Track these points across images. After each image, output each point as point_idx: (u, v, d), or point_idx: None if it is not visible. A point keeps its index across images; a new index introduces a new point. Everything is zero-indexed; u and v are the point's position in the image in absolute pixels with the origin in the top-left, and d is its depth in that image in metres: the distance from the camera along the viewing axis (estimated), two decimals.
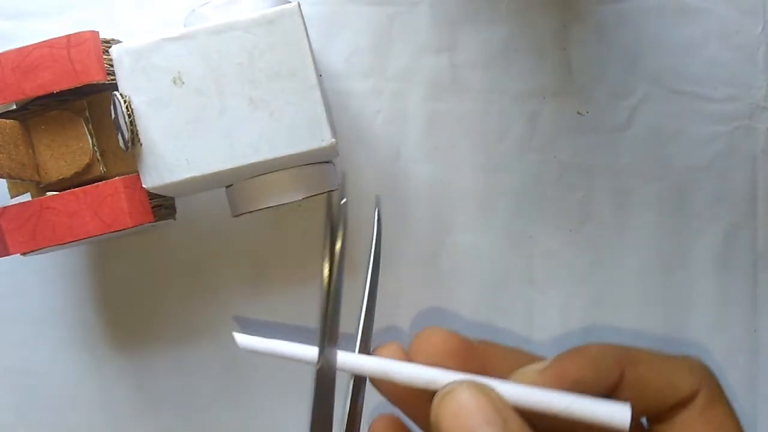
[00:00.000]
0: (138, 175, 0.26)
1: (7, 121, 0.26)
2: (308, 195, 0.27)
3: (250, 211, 0.27)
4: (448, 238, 0.33)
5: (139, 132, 0.25)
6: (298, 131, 0.25)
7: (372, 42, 0.33)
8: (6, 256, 0.26)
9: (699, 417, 0.22)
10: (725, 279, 0.33)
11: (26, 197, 0.28)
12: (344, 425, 0.22)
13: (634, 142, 0.33)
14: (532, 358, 0.24)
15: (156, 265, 0.33)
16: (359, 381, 0.23)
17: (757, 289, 0.34)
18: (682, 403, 0.22)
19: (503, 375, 0.22)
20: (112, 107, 0.25)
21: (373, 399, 0.23)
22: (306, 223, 0.33)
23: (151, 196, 0.27)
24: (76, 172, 0.27)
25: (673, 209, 0.33)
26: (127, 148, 0.25)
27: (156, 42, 0.25)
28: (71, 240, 0.26)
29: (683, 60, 0.33)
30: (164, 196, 0.28)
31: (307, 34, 0.25)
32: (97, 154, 0.27)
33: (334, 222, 0.23)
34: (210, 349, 0.33)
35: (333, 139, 0.25)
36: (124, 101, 0.25)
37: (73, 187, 0.26)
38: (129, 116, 0.25)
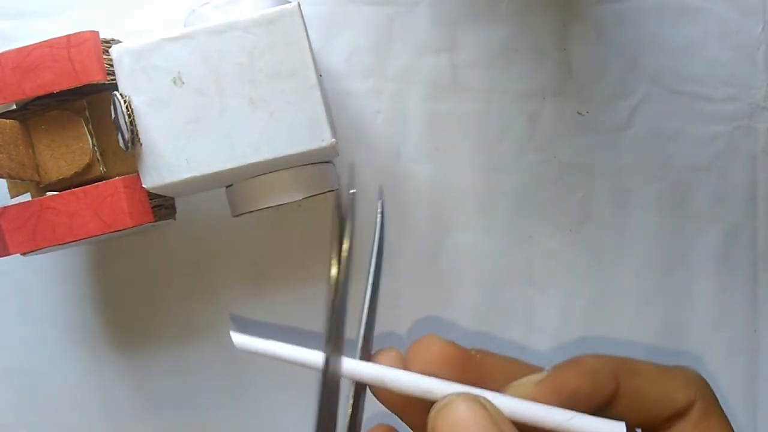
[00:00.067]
0: (138, 175, 0.26)
1: (7, 121, 0.26)
2: (308, 195, 0.27)
3: (250, 211, 0.28)
4: (448, 238, 0.33)
5: (139, 132, 0.25)
6: (298, 131, 0.25)
7: (372, 42, 0.33)
8: (6, 256, 0.26)
9: (694, 429, 0.22)
10: (725, 279, 0.33)
11: (26, 197, 0.28)
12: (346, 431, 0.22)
13: (634, 142, 0.33)
14: (529, 368, 0.24)
15: (156, 265, 0.33)
16: (360, 387, 0.23)
17: (757, 289, 0.34)
18: (678, 415, 0.22)
19: (500, 385, 0.22)
20: (112, 107, 0.25)
21: (373, 406, 0.23)
22: (306, 223, 0.33)
23: (151, 196, 0.27)
24: (76, 172, 0.27)
25: (673, 209, 0.33)
26: (127, 148, 0.25)
27: (156, 42, 0.25)
28: (71, 240, 0.26)
29: (683, 60, 0.33)
30: (164, 196, 0.28)
31: (307, 34, 0.25)
32: (97, 154, 0.27)
33: (342, 219, 0.23)
34: (210, 349, 0.33)
35: (333, 139, 0.25)
36: (124, 101, 0.25)
37: (73, 187, 0.26)
38: (129, 116, 0.25)
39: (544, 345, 0.33)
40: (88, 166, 0.27)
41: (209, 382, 0.33)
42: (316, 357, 0.22)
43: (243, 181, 0.27)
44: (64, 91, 0.26)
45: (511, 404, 0.21)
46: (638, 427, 0.23)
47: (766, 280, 0.33)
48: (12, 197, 0.28)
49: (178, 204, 0.30)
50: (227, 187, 0.28)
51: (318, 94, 0.25)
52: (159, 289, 0.33)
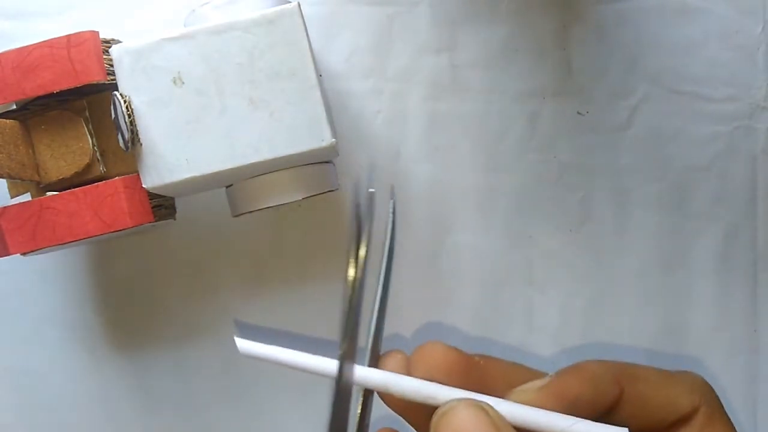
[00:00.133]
0: (138, 175, 0.26)
1: (7, 121, 0.26)
2: (308, 195, 0.27)
3: (250, 211, 0.28)
4: (448, 238, 0.33)
5: (139, 132, 0.25)
6: (298, 131, 0.25)
7: (372, 42, 0.33)
8: (6, 256, 0.26)
9: None
10: (725, 279, 0.33)
11: (26, 197, 0.28)
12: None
13: (634, 142, 0.33)
14: (532, 373, 0.24)
15: (156, 265, 0.33)
16: (368, 390, 0.23)
17: (757, 289, 0.34)
18: (682, 420, 0.22)
19: (503, 390, 0.22)
20: (112, 107, 0.25)
21: (382, 408, 0.23)
22: (306, 223, 0.33)
23: (151, 196, 0.27)
24: (76, 172, 0.27)
25: (673, 209, 0.33)
26: (127, 148, 0.25)
27: (156, 42, 0.25)
28: (71, 240, 0.26)
29: (683, 60, 0.33)
30: (164, 196, 0.28)
31: (307, 34, 0.25)
32: (97, 154, 0.27)
33: (360, 219, 0.23)
34: (210, 349, 0.33)
35: (333, 139, 0.25)
36: (124, 101, 0.25)
37: (73, 187, 0.26)
38: (129, 116, 0.25)
39: (544, 345, 0.33)
40: (88, 166, 0.27)
41: (209, 382, 0.33)
42: (325, 364, 0.22)
43: (243, 181, 0.27)
44: (64, 91, 0.26)
45: (513, 410, 0.21)
46: None
47: (766, 280, 0.33)
48: (12, 197, 0.28)
49: (178, 204, 0.30)
50: (227, 187, 0.28)
51: (318, 94, 0.25)
52: (159, 289, 0.33)
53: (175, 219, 0.30)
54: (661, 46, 0.33)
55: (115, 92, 0.25)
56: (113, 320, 0.33)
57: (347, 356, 0.22)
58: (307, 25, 0.25)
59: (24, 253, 0.26)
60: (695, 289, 0.33)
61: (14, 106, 0.27)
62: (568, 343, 0.33)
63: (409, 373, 0.22)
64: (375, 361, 0.23)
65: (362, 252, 0.23)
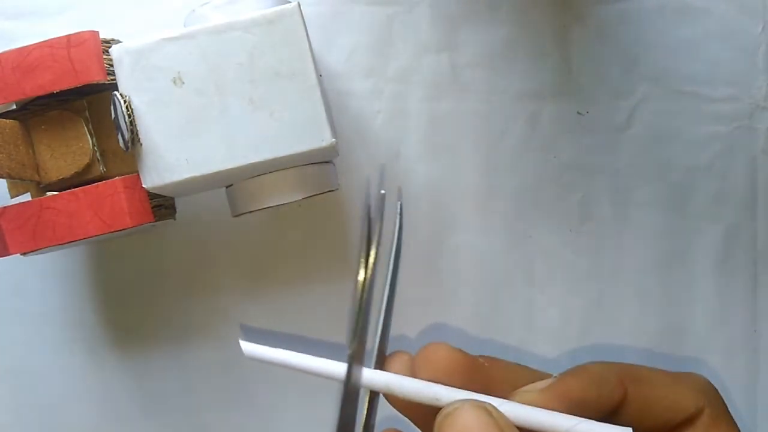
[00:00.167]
0: (138, 175, 0.26)
1: (7, 121, 0.26)
2: (308, 195, 0.27)
3: (250, 211, 0.27)
4: (448, 238, 0.33)
5: (139, 132, 0.25)
6: (298, 131, 0.25)
7: (372, 42, 0.33)
8: (6, 256, 0.26)
9: None
10: (725, 279, 0.33)
11: (26, 197, 0.28)
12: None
13: (634, 142, 0.33)
14: (536, 375, 0.24)
15: (156, 265, 0.33)
16: (373, 392, 0.23)
17: (757, 289, 0.34)
18: (687, 422, 0.22)
19: (506, 391, 0.22)
20: (112, 107, 0.25)
21: (385, 409, 0.23)
22: (306, 223, 0.33)
23: (151, 196, 0.27)
24: (76, 172, 0.27)
25: (673, 209, 0.33)
26: (127, 148, 0.25)
27: (156, 42, 0.25)
28: (71, 240, 0.26)
29: (683, 60, 0.33)
30: (164, 196, 0.28)
31: (307, 34, 0.25)
32: (97, 154, 0.27)
33: (371, 220, 0.23)
34: (210, 349, 0.33)
35: (333, 139, 0.25)
36: (124, 101, 0.25)
37: (73, 187, 0.26)
38: (129, 116, 0.25)
39: (545, 345, 0.33)
40: (88, 166, 0.27)
41: (209, 382, 0.33)
42: (331, 366, 0.22)
43: (243, 181, 0.27)
44: (64, 91, 0.26)
45: (516, 410, 0.21)
46: None
47: (766, 280, 0.33)
48: (12, 197, 0.28)
49: (178, 204, 0.30)
50: (227, 187, 0.28)
51: (318, 94, 0.25)
52: (159, 289, 0.33)
53: (175, 219, 0.30)
54: (661, 46, 0.33)
55: (115, 92, 0.25)
56: (113, 320, 0.33)
57: (356, 357, 0.22)
58: (307, 25, 0.25)
59: (24, 253, 0.26)
60: (695, 289, 0.33)
61: (14, 106, 0.27)
62: (568, 343, 0.33)
63: (413, 374, 0.22)
64: (381, 362, 0.23)
65: (372, 253, 0.23)
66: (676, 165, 0.33)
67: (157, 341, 0.33)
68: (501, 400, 0.21)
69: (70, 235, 0.26)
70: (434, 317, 0.33)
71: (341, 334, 0.32)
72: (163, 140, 0.25)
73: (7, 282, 0.32)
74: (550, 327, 0.33)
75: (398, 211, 0.25)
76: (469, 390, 0.21)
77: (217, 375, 0.33)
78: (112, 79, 0.26)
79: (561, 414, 0.21)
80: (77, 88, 0.26)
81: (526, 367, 0.24)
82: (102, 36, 0.27)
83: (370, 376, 0.22)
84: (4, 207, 0.26)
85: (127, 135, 0.25)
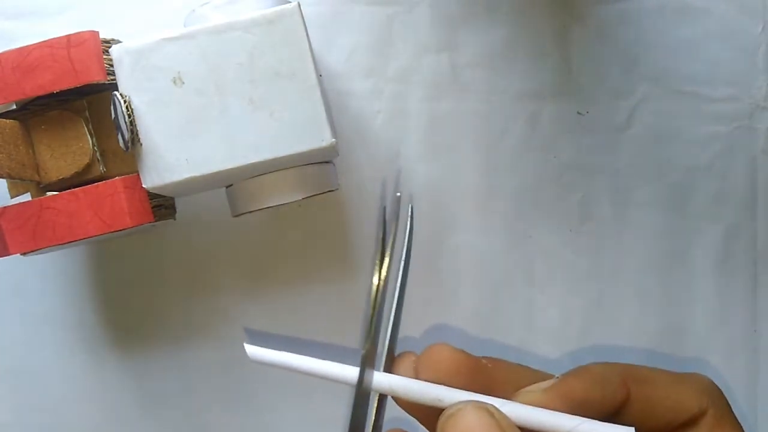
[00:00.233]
0: (138, 175, 0.26)
1: (7, 121, 0.26)
2: (308, 195, 0.27)
3: (250, 211, 0.27)
4: (448, 238, 0.33)
5: (139, 132, 0.25)
6: (298, 131, 0.25)
7: (372, 42, 0.33)
8: (6, 256, 0.26)
9: None
10: (725, 279, 0.33)
11: (26, 197, 0.28)
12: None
13: (634, 142, 0.33)
14: (538, 375, 0.24)
15: (156, 265, 0.33)
16: (382, 394, 0.23)
17: (757, 289, 0.34)
18: (690, 422, 0.22)
19: (509, 392, 0.22)
20: (112, 107, 0.25)
21: (392, 410, 0.23)
22: (306, 223, 0.33)
23: (151, 196, 0.27)
24: (76, 172, 0.27)
25: (673, 209, 0.33)
26: (127, 148, 0.25)
27: (156, 42, 0.25)
28: (71, 240, 0.26)
29: (683, 60, 0.33)
30: (164, 196, 0.28)
31: (307, 34, 0.25)
32: (97, 154, 0.27)
33: (386, 223, 0.23)
34: (210, 349, 0.33)
35: (333, 139, 0.25)
36: (124, 101, 0.25)
37: (73, 187, 0.26)
38: (129, 116, 0.25)
39: (545, 345, 0.33)
40: (88, 166, 0.27)
41: (209, 382, 0.33)
42: (338, 369, 0.22)
43: (243, 181, 0.27)
44: (64, 91, 0.26)
45: (519, 411, 0.21)
46: None
47: (766, 280, 0.33)
48: (12, 197, 0.28)
49: (178, 204, 0.30)
50: (227, 187, 0.28)
51: (318, 94, 0.25)
52: (159, 289, 0.33)
53: (175, 219, 0.30)
54: (661, 46, 0.33)
55: (115, 92, 0.25)
56: (113, 320, 0.33)
57: (368, 358, 0.22)
58: (307, 25, 0.25)
59: (24, 253, 0.26)
60: (695, 289, 0.33)
61: (14, 106, 0.27)
62: (568, 343, 0.33)
63: (417, 375, 0.22)
64: (390, 364, 0.24)
65: (387, 256, 0.23)
66: (676, 165, 0.33)
67: (157, 341, 0.33)
68: (503, 400, 0.21)
69: (70, 235, 0.26)
70: (434, 317, 0.33)
71: (341, 334, 0.33)
72: (163, 140, 0.25)
73: (7, 282, 0.32)
74: (550, 327, 0.33)
75: (409, 213, 0.25)
76: (472, 391, 0.22)
77: (217, 375, 0.33)
78: (112, 79, 0.26)
79: (564, 414, 0.21)
80: (77, 88, 0.26)
81: (529, 367, 0.24)
82: (102, 36, 0.27)
83: (375, 378, 0.22)
84: (4, 207, 0.26)
85: (127, 135, 0.25)
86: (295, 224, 0.33)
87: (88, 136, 0.27)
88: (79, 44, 0.26)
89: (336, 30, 0.32)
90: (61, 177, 0.27)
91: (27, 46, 0.26)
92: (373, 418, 0.23)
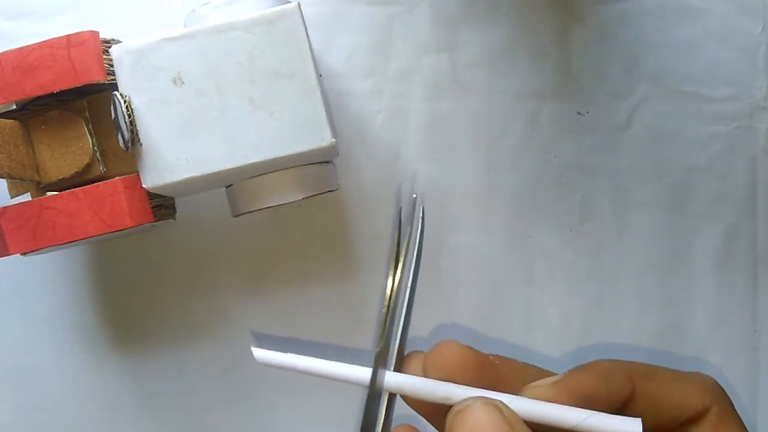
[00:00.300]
0: (138, 175, 0.26)
1: (7, 121, 0.26)
2: (308, 195, 0.27)
3: (250, 211, 0.28)
4: (448, 238, 0.33)
5: (139, 132, 0.25)
6: (298, 131, 0.25)
7: (372, 42, 0.33)
8: (6, 256, 0.26)
9: None
10: (725, 279, 0.33)
11: (26, 197, 0.28)
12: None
13: (634, 142, 0.33)
14: (544, 373, 0.24)
15: (156, 266, 0.33)
16: (391, 393, 0.23)
17: (757, 289, 0.34)
18: (694, 420, 0.22)
19: (516, 389, 0.22)
20: (112, 107, 0.25)
21: (399, 408, 0.23)
22: (306, 223, 0.33)
23: (151, 196, 0.27)
24: (76, 172, 0.27)
25: (673, 209, 0.33)
26: (127, 148, 0.25)
27: (156, 42, 0.25)
28: (71, 240, 0.26)
29: (683, 60, 0.33)
30: (164, 196, 0.28)
31: (307, 34, 0.25)
32: (97, 154, 0.27)
33: (401, 225, 0.23)
34: (210, 349, 0.33)
35: (333, 139, 0.25)
36: (124, 101, 0.25)
37: (73, 187, 0.26)
38: (129, 116, 0.25)
39: (545, 345, 0.33)
40: (88, 166, 0.27)
41: (209, 382, 0.33)
42: (345, 370, 0.23)
43: (243, 181, 0.27)
44: (64, 91, 0.26)
45: (527, 405, 0.21)
46: None
47: (766, 280, 0.33)
48: (12, 197, 0.28)
49: (178, 204, 0.30)
50: (227, 187, 0.28)
51: (318, 94, 0.25)
52: (159, 289, 0.33)
53: (175, 219, 0.30)
54: (661, 46, 0.33)
55: (115, 92, 0.25)
56: (113, 320, 0.33)
57: (381, 358, 0.22)
58: (307, 25, 0.25)
59: (24, 253, 0.26)
60: (695, 289, 0.33)
61: (14, 106, 0.27)
62: (568, 343, 0.33)
63: (426, 373, 0.23)
64: (400, 362, 0.24)
65: (402, 258, 0.23)
66: (676, 165, 0.33)
67: (157, 341, 0.33)
68: (511, 396, 0.21)
69: (70, 235, 0.26)
70: (434, 317, 0.33)
71: (341, 334, 0.33)
72: (163, 140, 0.25)
73: (7, 282, 0.32)
74: (550, 327, 0.33)
75: (420, 215, 0.25)
76: (480, 387, 0.22)
77: (217, 375, 0.33)
78: (112, 79, 0.26)
79: (571, 408, 0.21)
80: (77, 88, 0.26)
81: (535, 366, 0.24)
82: (102, 36, 0.27)
83: (386, 378, 0.23)
84: (4, 207, 0.26)
85: (127, 135, 0.25)
86: (295, 224, 0.33)
87: (88, 136, 0.27)
88: (79, 44, 0.26)
89: (336, 30, 0.32)
90: (61, 177, 0.27)
91: (27, 46, 0.26)
92: (383, 416, 0.23)
